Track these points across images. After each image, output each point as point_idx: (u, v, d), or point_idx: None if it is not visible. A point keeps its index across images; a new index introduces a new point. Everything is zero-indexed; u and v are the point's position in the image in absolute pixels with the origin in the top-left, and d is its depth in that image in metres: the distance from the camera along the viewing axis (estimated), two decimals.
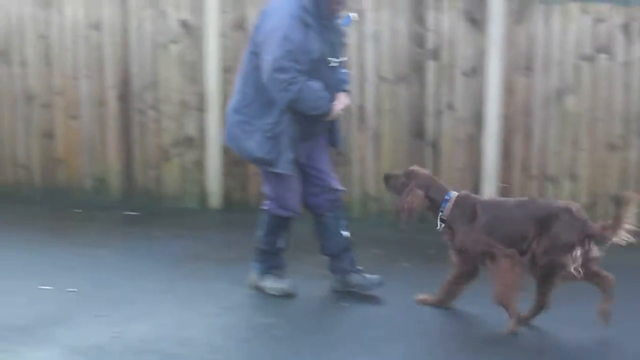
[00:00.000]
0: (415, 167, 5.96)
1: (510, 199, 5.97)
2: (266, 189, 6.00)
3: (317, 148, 6.00)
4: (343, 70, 5.91)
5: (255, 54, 5.75)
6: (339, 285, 6.16)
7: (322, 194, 6.03)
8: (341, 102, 5.80)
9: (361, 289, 6.10)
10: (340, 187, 6.16)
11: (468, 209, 5.63)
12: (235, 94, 5.92)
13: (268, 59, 5.58)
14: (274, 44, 5.56)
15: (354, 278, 6.11)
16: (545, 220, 5.46)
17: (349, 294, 6.12)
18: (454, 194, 5.73)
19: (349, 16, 5.96)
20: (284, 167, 5.77)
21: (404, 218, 5.73)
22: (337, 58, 5.82)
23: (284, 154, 5.74)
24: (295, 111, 5.68)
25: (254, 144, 5.76)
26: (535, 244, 5.45)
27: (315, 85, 5.65)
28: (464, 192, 5.84)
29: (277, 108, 5.68)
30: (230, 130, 5.91)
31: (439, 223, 5.71)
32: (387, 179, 5.93)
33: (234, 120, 5.86)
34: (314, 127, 5.87)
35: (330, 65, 5.76)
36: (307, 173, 5.96)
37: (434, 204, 5.72)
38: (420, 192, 5.70)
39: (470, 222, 5.58)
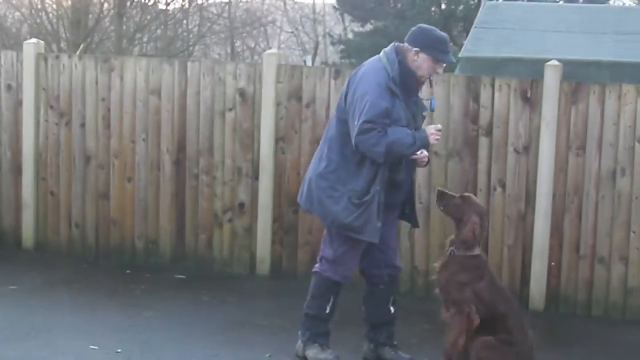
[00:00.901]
0: (471, 195, 5.99)
1: (506, 292, 5.85)
2: (325, 251, 6.02)
3: (389, 222, 6.03)
4: None
5: (342, 121, 5.85)
6: (370, 354, 6.17)
7: (384, 269, 6.06)
8: (432, 128, 5.88)
9: None
10: (401, 265, 6.22)
11: (482, 269, 5.63)
12: (319, 160, 5.96)
13: (355, 124, 5.67)
14: (361, 110, 5.66)
15: (387, 352, 6.12)
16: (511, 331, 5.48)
17: None
18: (479, 250, 5.73)
19: (433, 98, 6.06)
20: (371, 235, 5.82)
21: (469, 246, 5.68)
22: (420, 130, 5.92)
23: (372, 222, 5.79)
24: (381, 179, 5.75)
25: (340, 210, 5.80)
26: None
27: (396, 128, 5.71)
28: (484, 257, 5.82)
29: (364, 176, 5.76)
30: (315, 195, 5.92)
31: (449, 250, 5.73)
32: (442, 195, 5.89)
33: (319, 185, 5.89)
34: (393, 198, 5.93)
35: None
36: (373, 245, 5.96)
37: (467, 240, 5.67)
38: (477, 219, 5.68)
39: (474, 277, 5.58)
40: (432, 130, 5.87)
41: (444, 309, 5.68)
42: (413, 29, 5.90)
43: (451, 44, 5.95)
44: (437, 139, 5.93)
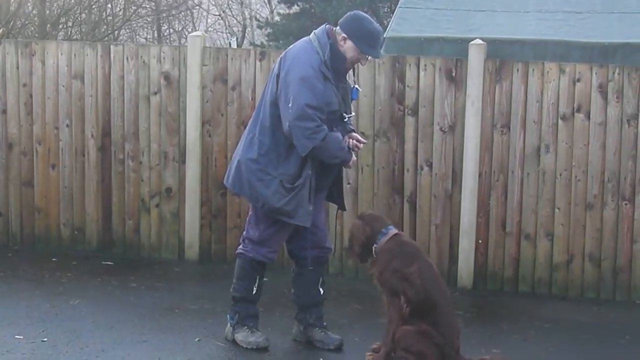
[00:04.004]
0: (354, 222, 5.94)
1: (435, 272, 5.76)
2: (250, 231, 5.98)
3: (317, 203, 5.99)
4: (350, 126, 5.98)
5: (274, 104, 5.76)
6: (300, 336, 6.17)
7: (312, 250, 6.03)
8: (355, 137, 5.90)
9: (321, 344, 6.08)
10: (330, 246, 6.20)
11: (407, 251, 5.61)
12: (249, 143, 5.86)
13: (293, 107, 5.59)
14: (298, 93, 5.58)
15: (316, 333, 6.11)
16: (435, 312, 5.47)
17: (312, 346, 6.10)
18: (392, 229, 5.70)
19: (356, 89, 6.02)
20: (303, 219, 5.80)
21: (351, 256, 5.81)
22: (348, 114, 5.90)
23: (304, 206, 5.77)
24: (313, 164, 5.73)
25: (270, 194, 5.75)
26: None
27: (338, 135, 5.73)
28: (402, 234, 5.83)
29: (296, 159, 5.71)
30: (245, 177, 5.85)
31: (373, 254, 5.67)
32: (348, 250, 5.95)
33: (250, 168, 5.82)
34: (323, 181, 5.91)
35: (343, 120, 5.85)
36: (303, 227, 5.91)
37: (371, 236, 5.66)
38: (358, 222, 5.71)
39: (403, 262, 5.53)
40: (355, 139, 5.88)
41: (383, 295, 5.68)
42: (349, 13, 5.85)
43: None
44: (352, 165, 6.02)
